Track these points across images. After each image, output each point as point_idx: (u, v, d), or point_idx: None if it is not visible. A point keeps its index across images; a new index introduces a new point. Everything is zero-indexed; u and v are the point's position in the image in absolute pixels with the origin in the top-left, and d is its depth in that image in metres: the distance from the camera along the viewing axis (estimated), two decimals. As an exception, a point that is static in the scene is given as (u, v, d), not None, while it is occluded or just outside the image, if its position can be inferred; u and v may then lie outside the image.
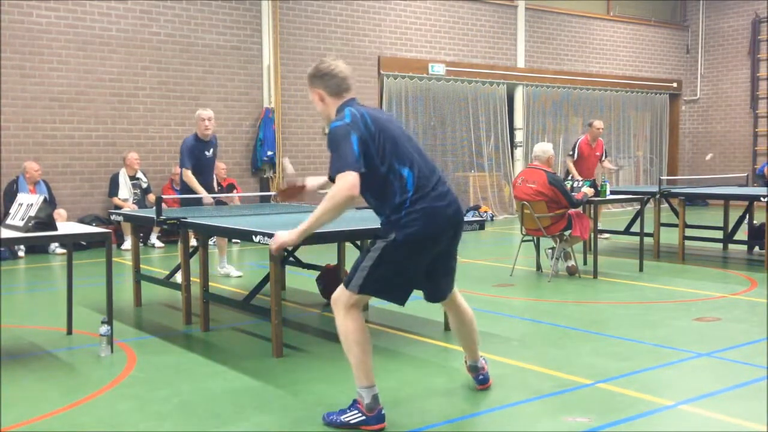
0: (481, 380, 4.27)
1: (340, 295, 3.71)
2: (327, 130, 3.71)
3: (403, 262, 3.67)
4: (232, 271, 8.37)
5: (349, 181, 3.45)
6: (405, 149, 3.68)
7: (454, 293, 4.10)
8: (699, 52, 18.96)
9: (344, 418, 3.69)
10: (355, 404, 3.71)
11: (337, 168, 3.51)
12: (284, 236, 3.80)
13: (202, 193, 7.71)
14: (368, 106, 3.84)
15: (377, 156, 3.60)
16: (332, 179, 3.59)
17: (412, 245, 3.62)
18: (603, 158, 11.07)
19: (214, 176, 8.33)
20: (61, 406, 4.10)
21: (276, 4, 12.84)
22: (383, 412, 3.69)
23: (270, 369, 4.77)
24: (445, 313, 5.73)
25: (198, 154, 7.77)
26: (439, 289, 3.98)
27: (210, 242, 7.84)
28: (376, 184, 3.64)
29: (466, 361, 4.33)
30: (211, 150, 7.94)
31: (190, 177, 7.69)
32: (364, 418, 3.66)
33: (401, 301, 3.83)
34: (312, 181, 4.40)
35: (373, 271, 3.63)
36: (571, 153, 10.95)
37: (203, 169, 7.85)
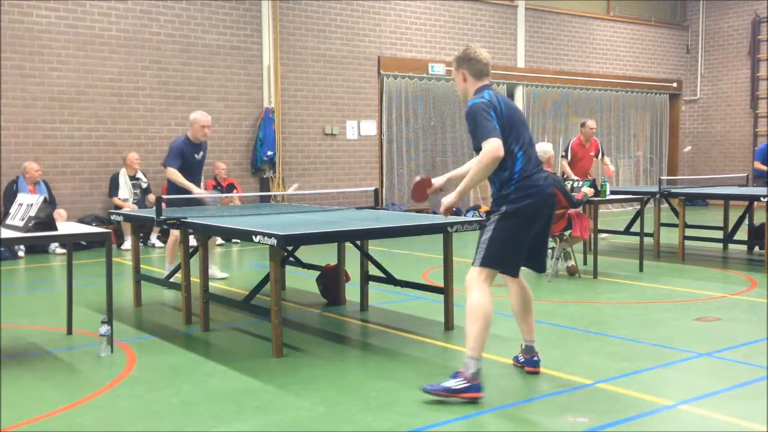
0: (534, 362, 4.56)
1: (471, 274, 4.17)
2: (464, 107, 4.27)
3: (514, 231, 4.17)
4: (217, 273, 8.13)
5: (494, 145, 4.01)
6: (522, 135, 4.23)
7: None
8: (699, 52, 18.96)
9: (447, 384, 4.01)
10: (458, 374, 4.04)
11: (482, 136, 4.06)
12: (449, 199, 4.31)
13: (192, 188, 7.52)
14: (500, 94, 4.36)
15: (502, 135, 4.10)
16: (477, 150, 4.13)
17: (521, 216, 4.15)
18: (601, 157, 10.79)
19: (201, 178, 8.17)
20: (61, 406, 4.10)
21: (276, 4, 12.84)
22: (482, 385, 4.02)
23: (270, 369, 4.77)
24: (444, 313, 5.76)
25: (187, 156, 7.63)
26: (542, 260, 4.54)
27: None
28: None
29: (518, 353, 4.68)
30: (201, 153, 7.82)
31: (175, 173, 7.50)
32: (467, 384, 3.99)
33: (516, 272, 4.35)
34: (437, 180, 4.79)
35: (492, 244, 4.15)
36: (564, 154, 10.81)
37: (192, 172, 7.70)
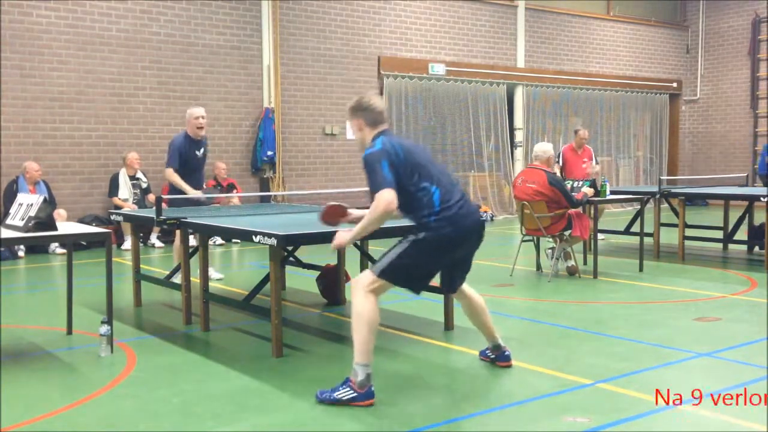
0: (504, 357, 4.69)
1: (363, 277, 4.14)
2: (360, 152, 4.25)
3: (427, 258, 4.17)
4: (213, 274, 8.01)
5: (385, 197, 3.95)
6: (429, 171, 4.21)
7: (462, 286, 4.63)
8: (699, 52, 18.96)
9: (336, 395, 4.02)
10: (347, 382, 4.03)
11: (375, 188, 4.01)
12: (343, 237, 4.26)
13: (189, 190, 7.46)
14: (398, 136, 4.38)
15: (405, 178, 4.10)
16: (373, 198, 4.07)
17: (438, 245, 4.15)
18: (594, 164, 10.65)
19: (203, 176, 8.08)
20: (61, 406, 4.10)
21: (276, 4, 12.84)
22: (373, 389, 4.02)
23: (270, 369, 4.77)
24: (444, 313, 5.76)
25: (188, 154, 7.57)
26: (454, 284, 4.58)
27: (211, 242, 7.77)
28: (406, 201, 4.13)
29: (487, 347, 4.77)
30: (202, 150, 7.75)
31: (174, 175, 7.48)
32: (355, 394, 3.99)
33: (417, 291, 4.35)
34: (355, 212, 4.72)
35: (398, 261, 4.11)
36: (556, 160, 10.75)
37: (194, 170, 7.65)
